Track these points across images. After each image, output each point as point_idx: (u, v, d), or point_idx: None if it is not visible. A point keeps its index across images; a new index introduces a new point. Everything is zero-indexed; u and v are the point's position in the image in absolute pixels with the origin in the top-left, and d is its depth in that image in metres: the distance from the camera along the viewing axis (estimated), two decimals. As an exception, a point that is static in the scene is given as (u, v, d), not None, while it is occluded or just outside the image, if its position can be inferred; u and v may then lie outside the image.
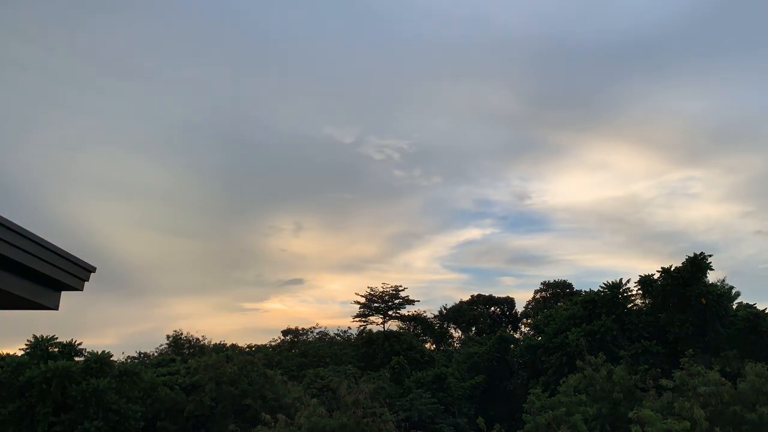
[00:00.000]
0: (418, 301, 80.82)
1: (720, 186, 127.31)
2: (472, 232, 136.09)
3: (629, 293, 55.33)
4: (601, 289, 55.67)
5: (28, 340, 39.63)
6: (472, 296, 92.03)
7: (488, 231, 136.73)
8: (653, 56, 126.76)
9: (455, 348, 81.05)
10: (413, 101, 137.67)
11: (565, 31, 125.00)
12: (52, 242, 5.01)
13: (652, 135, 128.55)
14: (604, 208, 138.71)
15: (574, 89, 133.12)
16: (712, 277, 52.05)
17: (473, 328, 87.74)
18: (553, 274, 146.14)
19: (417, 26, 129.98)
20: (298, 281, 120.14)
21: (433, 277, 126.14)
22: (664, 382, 28.52)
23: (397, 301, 75.26)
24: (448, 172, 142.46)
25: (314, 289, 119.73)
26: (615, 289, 54.84)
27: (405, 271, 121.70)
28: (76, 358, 39.93)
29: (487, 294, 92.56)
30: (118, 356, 50.80)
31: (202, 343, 64.12)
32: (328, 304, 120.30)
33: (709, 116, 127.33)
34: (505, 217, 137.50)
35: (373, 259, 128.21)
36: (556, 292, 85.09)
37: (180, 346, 64.21)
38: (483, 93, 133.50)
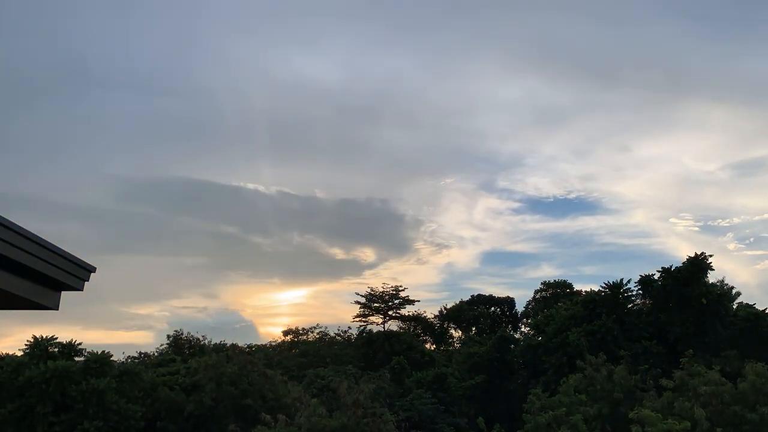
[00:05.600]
0: (418, 301, 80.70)
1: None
2: (524, 220, 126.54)
3: (630, 293, 55.33)
4: (602, 289, 55.68)
5: (27, 341, 39.65)
6: (472, 296, 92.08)
7: (533, 216, 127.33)
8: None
9: (455, 348, 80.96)
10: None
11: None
12: (52, 242, 5.00)
13: (727, 105, 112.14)
14: (668, 190, 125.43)
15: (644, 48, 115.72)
16: (712, 277, 52.17)
17: (473, 328, 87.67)
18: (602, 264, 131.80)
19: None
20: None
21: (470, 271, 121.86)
22: (664, 382, 28.54)
23: (397, 301, 75.25)
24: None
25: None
26: (615, 289, 54.83)
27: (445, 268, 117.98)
28: (76, 358, 39.91)
29: (487, 294, 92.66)
30: (117, 356, 50.73)
31: (202, 343, 64.02)
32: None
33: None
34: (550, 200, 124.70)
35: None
36: (556, 292, 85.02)
37: (180, 346, 64.10)
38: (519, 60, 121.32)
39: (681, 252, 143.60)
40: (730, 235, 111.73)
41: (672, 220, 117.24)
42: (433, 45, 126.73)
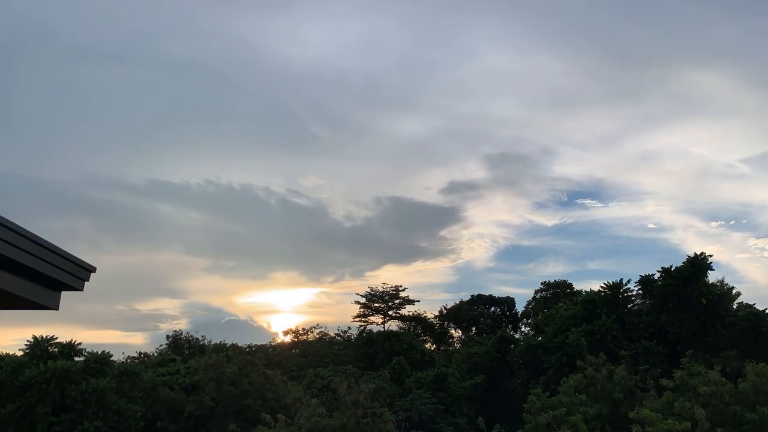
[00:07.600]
0: (418, 301, 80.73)
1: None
2: (542, 214, 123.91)
3: (629, 293, 55.32)
4: (602, 289, 55.66)
5: (27, 341, 39.66)
6: (472, 296, 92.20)
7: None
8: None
9: (455, 348, 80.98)
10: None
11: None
12: (52, 242, 4.99)
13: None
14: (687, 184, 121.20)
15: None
16: (712, 277, 52.18)
17: (473, 328, 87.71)
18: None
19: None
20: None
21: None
22: (664, 382, 28.52)
23: (397, 301, 75.21)
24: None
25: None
26: (615, 289, 54.81)
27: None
28: (76, 358, 39.90)
29: (482, 294, 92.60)
30: (117, 356, 50.65)
31: (202, 343, 64.07)
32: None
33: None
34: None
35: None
36: (557, 292, 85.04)
37: (180, 346, 64.13)
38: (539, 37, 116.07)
39: (700, 247, 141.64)
40: (749, 230, 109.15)
41: (690, 214, 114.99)
42: (440, 28, 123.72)
